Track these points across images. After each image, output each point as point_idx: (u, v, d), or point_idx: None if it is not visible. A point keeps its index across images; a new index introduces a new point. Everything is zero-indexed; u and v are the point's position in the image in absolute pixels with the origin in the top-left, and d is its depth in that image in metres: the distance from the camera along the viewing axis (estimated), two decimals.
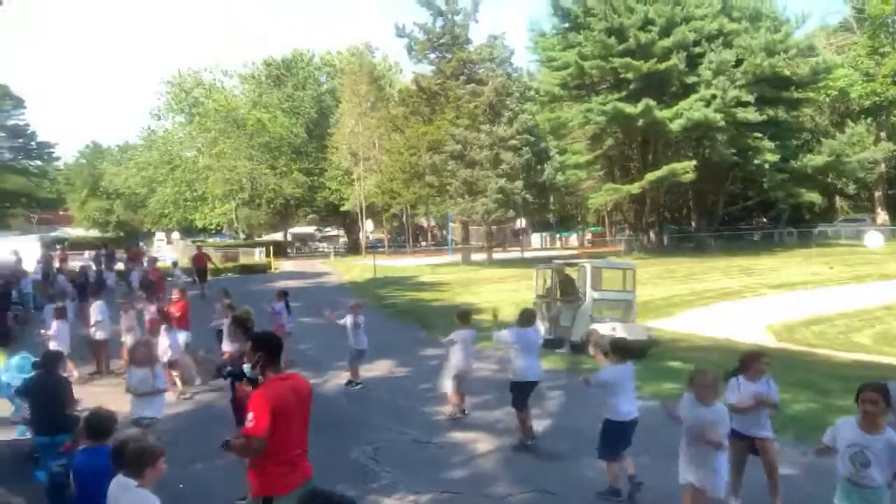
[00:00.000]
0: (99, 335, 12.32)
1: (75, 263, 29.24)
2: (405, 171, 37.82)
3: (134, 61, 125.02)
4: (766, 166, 38.47)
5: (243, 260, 37.64)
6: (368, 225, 51.19)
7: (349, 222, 58.22)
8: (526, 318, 8.41)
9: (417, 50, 38.03)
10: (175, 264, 25.48)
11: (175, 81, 57.28)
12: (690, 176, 37.13)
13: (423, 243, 67.51)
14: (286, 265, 38.56)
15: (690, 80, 37.23)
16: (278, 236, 56.07)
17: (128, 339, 11.49)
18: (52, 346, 10.72)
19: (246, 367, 5.68)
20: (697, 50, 37.30)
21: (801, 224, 47.97)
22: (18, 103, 57.14)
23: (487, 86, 34.65)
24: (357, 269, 34.70)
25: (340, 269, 36.18)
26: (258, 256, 39.26)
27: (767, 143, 37.80)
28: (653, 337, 13.44)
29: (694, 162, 37.83)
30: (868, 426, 4.44)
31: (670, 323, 17.52)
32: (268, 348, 4.31)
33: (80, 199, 68.85)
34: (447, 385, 9.15)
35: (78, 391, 8.87)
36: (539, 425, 8.42)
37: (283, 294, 13.16)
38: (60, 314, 11.86)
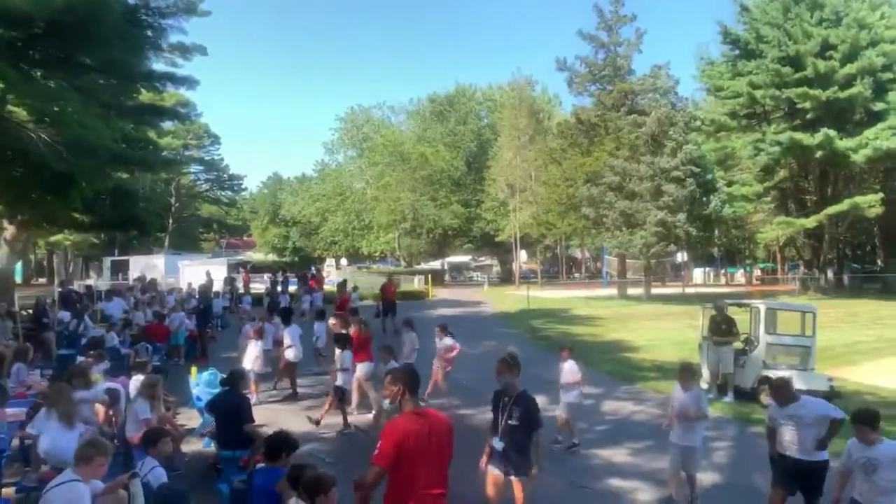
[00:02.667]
0: (291, 357, 12.63)
1: (256, 285, 32.22)
2: (561, 202, 37.76)
3: (313, 99, 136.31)
4: None
5: (404, 286, 39.27)
6: (522, 255, 51.51)
7: (503, 252, 59.08)
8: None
9: (578, 82, 37.81)
10: (355, 289, 23.24)
11: (347, 118, 61.79)
12: (877, 210, 34.25)
13: (577, 275, 66.72)
14: (442, 293, 39.69)
15: (878, 107, 34.24)
16: (436, 264, 57.93)
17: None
18: (248, 365, 11.67)
19: (385, 401, 5.77)
20: (887, 75, 34.26)
21: None
22: (215, 140, 64.30)
23: (650, 116, 33.85)
24: (510, 299, 34.99)
25: (494, 298, 36.66)
26: (417, 284, 40.80)
27: None
28: (834, 388, 12.35)
29: (881, 195, 34.74)
30: None
31: (853, 373, 15.93)
32: (406, 382, 4.21)
33: (262, 226, 74.73)
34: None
35: (259, 411, 9.33)
36: (703, 479, 7.89)
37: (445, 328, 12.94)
38: (258, 335, 12.59)
